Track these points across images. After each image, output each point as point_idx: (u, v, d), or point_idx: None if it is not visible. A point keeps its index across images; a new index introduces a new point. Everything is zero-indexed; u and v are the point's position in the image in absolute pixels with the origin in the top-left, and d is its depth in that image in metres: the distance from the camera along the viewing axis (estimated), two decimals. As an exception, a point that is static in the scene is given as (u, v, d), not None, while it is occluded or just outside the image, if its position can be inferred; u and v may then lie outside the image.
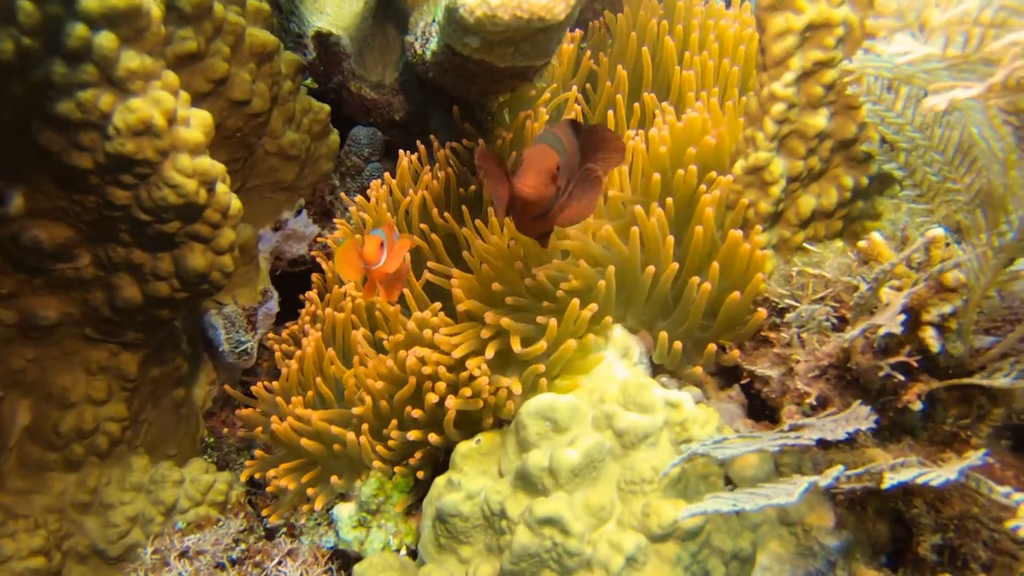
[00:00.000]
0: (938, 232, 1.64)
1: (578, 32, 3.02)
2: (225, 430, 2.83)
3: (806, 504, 1.84)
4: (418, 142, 2.72)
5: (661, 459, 1.84)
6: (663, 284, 2.03)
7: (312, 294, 2.67)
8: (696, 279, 1.99)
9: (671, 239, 2.02)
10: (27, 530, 2.19)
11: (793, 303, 1.89)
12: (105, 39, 1.76)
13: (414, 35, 2.61)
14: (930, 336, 1.58)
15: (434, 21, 2.45)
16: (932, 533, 1.63)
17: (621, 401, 1.92)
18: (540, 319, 2.02)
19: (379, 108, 3.02)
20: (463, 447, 2.06)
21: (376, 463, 2.18)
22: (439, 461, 2.21)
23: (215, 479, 2.46)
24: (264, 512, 2.39)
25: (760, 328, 1.99)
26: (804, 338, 1.83)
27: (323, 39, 2.96)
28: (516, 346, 1.99)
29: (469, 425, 2.10)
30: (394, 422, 2.15)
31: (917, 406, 1.62)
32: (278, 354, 2.58)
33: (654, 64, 2.73)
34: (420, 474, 2.18)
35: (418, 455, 2.16)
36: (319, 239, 2.99)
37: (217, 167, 2.00)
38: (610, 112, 2.59)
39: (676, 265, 2.00)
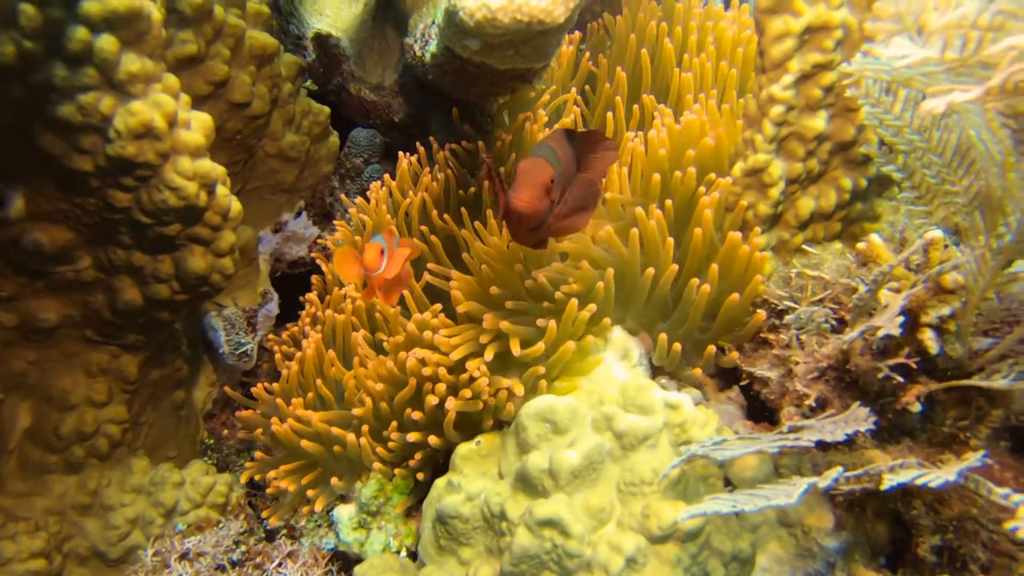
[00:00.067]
0: (936, 234, 1.65)
1: (577, 34, 3.03)
2: (225, 432, 2.83)
3: (805, 505, 1.84)
4: (417, 144, 2.72)
5: (661, 461, 1.85)
6: (663, 286, 2.04)
7: (312, 296, 2.67)
8: (696, 281, 1.99)
9: (671, 241, 2.02)
10: (28, 532, 2.19)
11: (792, 305, 1.89)
12: (106, 42, 1.77)
13: (413, 37, 2.61)
14: (929, 338, 1.58)
15: (433, 23, 2.45)
16: (931, 534, 1.63)
17: (621, 403, 1.93)
18: (540, 322, 2.02)
19: (378, 110, 3.03)
20: (463, 449, 2.06)
21: (376, 465, 2.19)
22: (439, 463, 2.21)
23: (215, 481, 2.46)
24: (264, 514, 2.39)
25: (759, 330, 1.99)
26: (803, 340, 1.83)
27: (322, 41, 2.97)
28: (516, 349, 2.00)
29: (469, 427, 2.10)
30: (394, 424, 2.15)
31: (916, 408, 1.62)
32: (278, 356, 2.59)
33: (653, 66, 2.73)
34: (420, 476, 2.18)
35: (418, 457, 2.16)
36: (319, 241, 2.99)
37: (217, 170, 2.00)
38: (609, 114, 2.60)
39: (676, 267, 2.01)
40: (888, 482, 1.40)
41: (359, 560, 2.18)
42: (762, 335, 1.99)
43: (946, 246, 1.65)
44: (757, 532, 1.87)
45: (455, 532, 1.96)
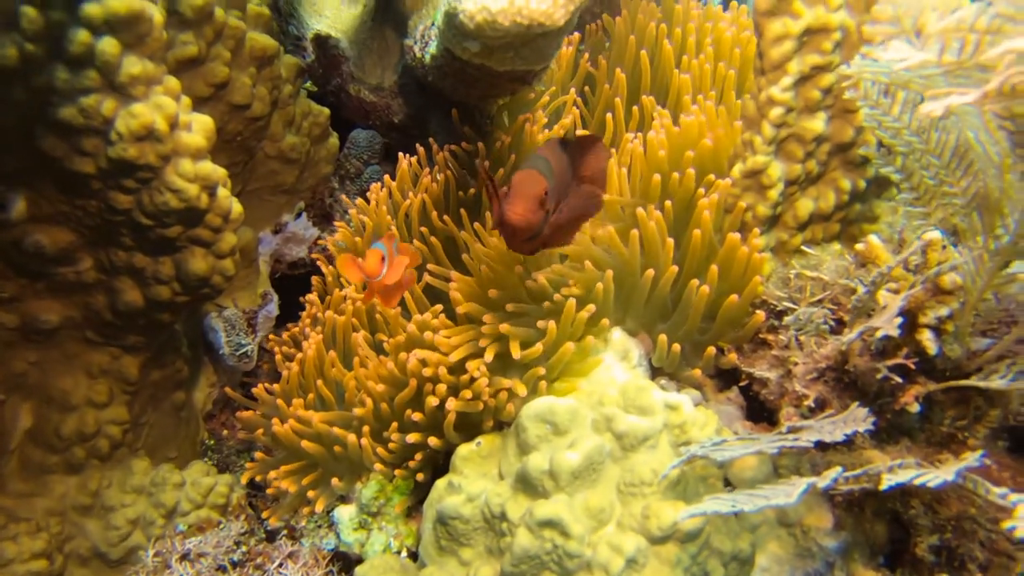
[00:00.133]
0: (935, 235, 1.65)
1: (576, 35, 3.03)
2: (225, 432, 2.84)
3: (804, 505, 1.85)
4: (417, 145, 2.73)
5: (660, 461, 1.85)
6: (662, 287, 2.04)
7: (312, 296, 2.68)
8: (695, 282, 2.00)
9: (671, 242, 2.03)
10: (29, 533, 2.20)
11: (791, 306, 1.90)
12: (107, 45, 1.77)
13: (413, 38, 2.62)
14: (927, 338, 1.59)
15: (433, 25, 2.46)
16: (930, 534, 1.64)
17: (621, 404, 1.93)
18: (540, 323, 2.03)
19: (378, 111, 3.03)
20: (463, 450, 2.06)
21: (377, 465, 2.19)
22: (439, 464, 2.22)
23: (216, 481, 2.46)
24: (264, 514, 2.39)
25: (758, 330, 2.00)
26: (802, 340, 1.84)
27: (322, 42, 2.97)
28: (516, 352, 2.00)
29: (469, 428, 2.11)
30: (394, 425, 2.15)
31: (914, 408, 1.63)
32: (279, 356, 2.59)
33: (652, 67, 2.74)
34: (420, 477, 2.18)
35: (418, 457, 2.16)
36: (319, 242, 3.00)
37: (218, 171, 2.01)
38: (608, 115, 2.60)
39: (675, 268, 2.01)
40: (887, 482, 1.41)
41: (360, 561, 2.18)
42: (761, 336, 2.00)
43: (944, 247, 1.65)
44: (756, 532, 1.88)
45: (456, 533, 1.97)
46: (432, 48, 2.44)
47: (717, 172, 2.14)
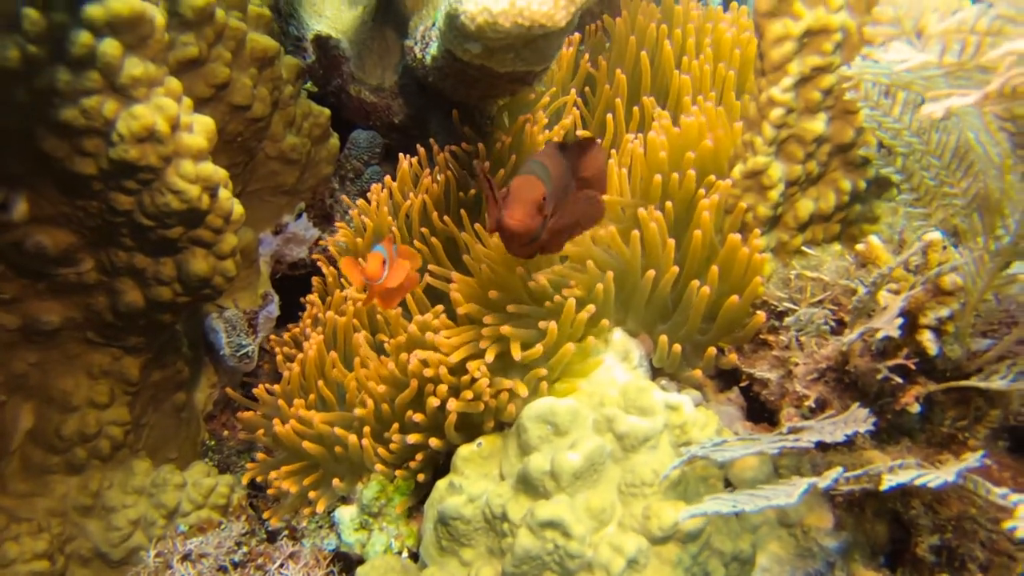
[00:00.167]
0: (935, 236, 1.66)
1: (576, 36, 3.03)
2: (225, 433, 2.84)
3: (805, 505, 1.85)
4: (418, 146, 2.73)
5: (661, 462, 1.86)
6: (663, 288, 2.05)
7: (313, 297, 2.68)
8: (696, 282, 2.00)
9: (671, 242, 2.03)
10: (30, 533, 2.20)
11: (791, 306, 1.90)
12: (109, 46, 1.77)
13: (414, 39, 2.62)
14: (928, 339, 1.59)
15: (434, 25, 2.46)
16: (930, 534, 1.65)
17: (621, 404, 1.94)
18: (541, 324, 2.03)
19: (378, 111, 3.03)
20: (464, 450, 2.07)
21: (378, 466, 2.20)
22: (439, 464, 2.22)
23: (217, 482, 2.46)
24: (265, 515, 2.40)
25: (759, 331, 2.00)
26: (803, 341, 1.84)
27: (322, 42, 2.97)
28: (516, 353, 2.00)
29: (470, 428, 2.11)
30: (395, 425, 2.16)
31: (915, 408, 1.63)
32: (279, 357, 2.59)
33: (652, 68, 2.74)
34: (421, 477, 2.18)
35: (419, 458, 2.17)
36: (320, 242, 3.00)
37: (220, 173, 2.01)
38: (609, 115, 2.61)
39: (676, 269, 2.02)
40: (887, 482, 1.41)
41: (361, 561, 2.19)
42: (762, 336, 2.00)
43: (945, 248, 1.66)
44: (757, 532, 1.88)
45: (457, 533, 1.97)
46: (433, 49, 2.45)
47: (717, 173, 2.14)
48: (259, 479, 2.44)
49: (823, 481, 1.46)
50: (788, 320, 1.87)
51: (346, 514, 2.24)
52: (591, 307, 2.03)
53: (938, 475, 1.37)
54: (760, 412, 2.02)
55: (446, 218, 2.47)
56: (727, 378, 2.13)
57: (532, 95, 2.76)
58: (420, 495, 2.21)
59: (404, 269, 1.97)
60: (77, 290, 2.16)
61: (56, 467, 2.30)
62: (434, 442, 2.10)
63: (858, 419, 1.60)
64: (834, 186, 2.06)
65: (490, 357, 2.03)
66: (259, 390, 2.49)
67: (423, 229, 2.48)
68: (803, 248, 2.08)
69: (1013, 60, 1.15)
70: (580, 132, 2.74)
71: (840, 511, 1.83)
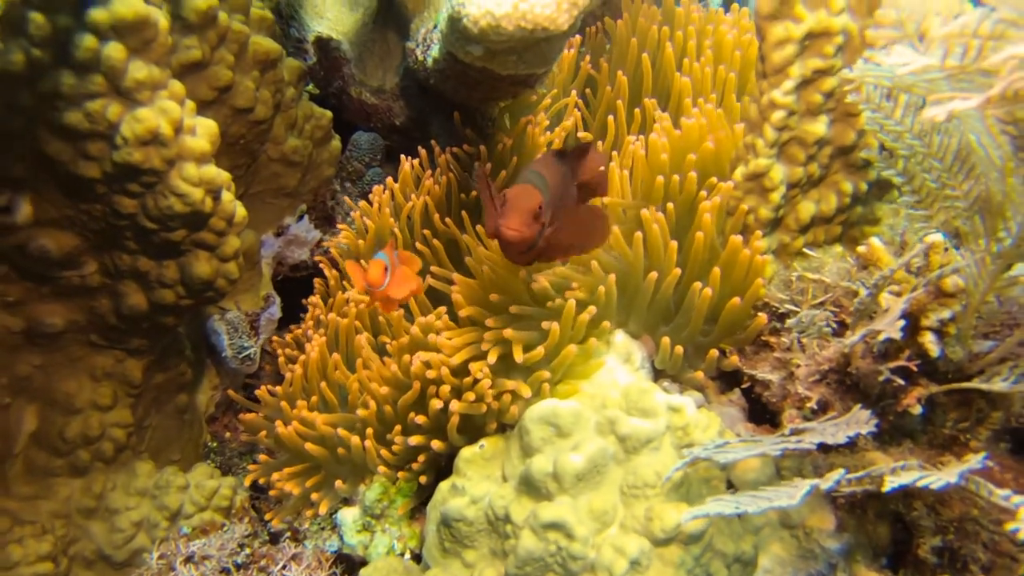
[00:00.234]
0: (937, 238, 1.66)
1: (577, 38, 3.04)
2: (227, 434, 2.85)
3: (807, 507, 1.85)
4: (419, 147, 2.74)
5: (663, 463, 1.86)
6: (665, 289, 2.05)
7: (315, 299, 2.69)
8: (698, 284, 2.00)
9: (674, 244, 2.03)
10: (34, 536, 2.20)
11: (793, 308, 1.90)
12: (113, 50, 1.78)
13: (415, 41, 2.62)
14: (929, 341, 1.59)
15: (435, 28, 2.46)
16: (932, 535, 1.65)
17: (624, 406, 1.94)
18: (544, 324, 2.03)
19: (380, 113, 3.04)
20: (467, 452, 2.07)
21: (380, 468, 2.20)
22: (441, 466, 2.22)
23: (219, 484, 2.47)
24: (267, 516, 2.40)
25: (760, 333, 2.00)
26: (804, 343, 1.84)
27: (323, 44, 2.98)
28: (518, 356, 2.01)
29: (472, 430, 2.12)
30: (398, 427, 2.16)
31: (917, 410, 1.63)
32: (281, 359, 2.60)
33: (654, 70, 2.74)
34: (423, 479, 2.19)
35: (421, 459, 2.17)
36: (322, 244, 3.00)
37: (223, 175, 2.01)
38: (610, 117, 2.61)
39: (679, 270, 2.02)
40: (890, 484, 1.41)
41: (363, 563, 2.19)
42: (763, 338, 2.00)
43: (946, 250, 1.66)
44: (759, 534, 1.88)
45: (459, 535, 1.97)
46: (434, 51, 2.45)
47: (719, 175, 2.14)
48: (261, 481, 2.44)
49: (825, 483, 1.46)
50: (790, 322, 1.88)
51: (348, 516, 2.25)
52: (592, 309, 2.03)
53: (940, 477, 1.38)
54: (762, 414, 2.02)
55: (447, 220, 2.48)
56: (729, 380, 2.13)
57: (534, 97, 2.76)
58: (423, 497, 2.22)
59: (407, 278, 2.00)
60: (80, 293, 2.16)
61: (59, 469, 2.30)
62: (436, 444, 2.11)
63: (860, 421, 1.60)
64: (835, 188, 2.06)
65: (492, 359, 2.03)
66: (261, 392, 2.49)
67: (425, 231, 2.49)
68: (804, 250, 2.08)
69: (1015, 64, 1.16)
70: (581, 134, 2.75)
71: (842, 512, 1.84)
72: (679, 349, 2.06)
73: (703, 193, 2.10)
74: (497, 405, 2.04)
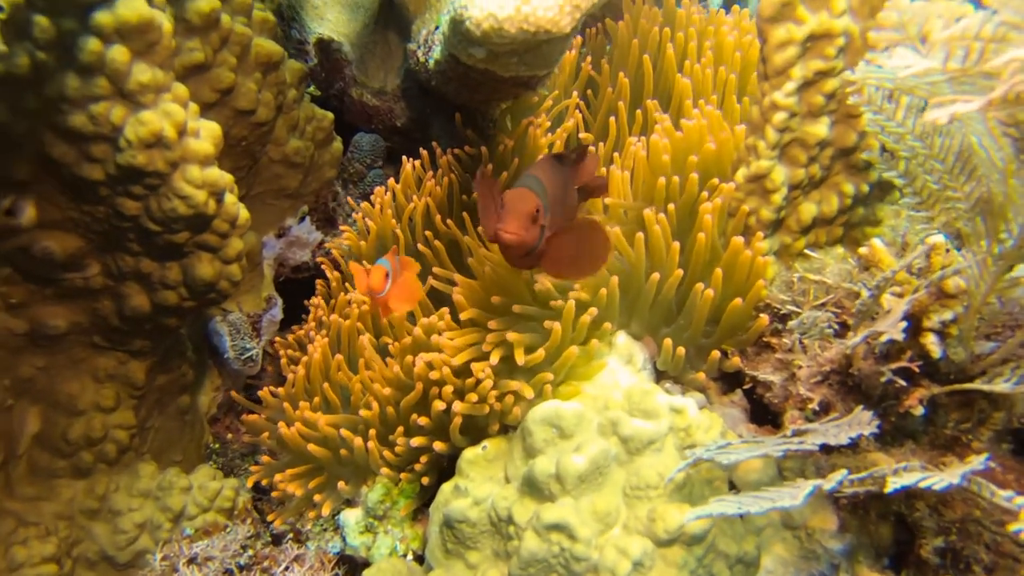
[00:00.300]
0: (938, 239, 1.66)
1: (578, 39, 3.04)
2: (229, 436, 2.85)
3: (809, 508, 1.86)
4: (421, 149, 2.74)
5: (666, 464, 1.87)
6: (667, 291, 2.05)
7: (317, 300, 2.69)
8: (700, 285, 2.01)
9: (676, 245, 2.04)
10: (38, 537, 2.21)
11: (795, 309, 1.91)
12: (117, 53, 1.78)
13: (416, 43, 2.63)
14: (931, 342, 1.60)
15: (437, 29, 2.46)
16: (934, 536, 1.65)
17: (626, 407, 1.94)
18: (547, 323, 2.04)
19: (381, 114, 3.04)
20: (469, 453, 2.08)
21: (383, 469, 2.20)
22: (444, 467, 2.23)
23: (222, 485, 2.47)
24: (269, 517, 2.40)
25: (762, 334, 2.01)
26: (806, 344, 1.85)
27: (325, 46, 2.98)
28: (520, 358, 2.01)
29: (475, 432, 2.12)
30: (400, 428, 2.17)
31: (919, 411, 1.64)
32: (283, 360, 2.61)
33: (655, 72, 2.75)
34: (425, 480, 2.19)
35: (423, 460, 2.18)
36: (324, 245, 3.01)
37: (226, 178, 2.02)
38: (612, 118, 2.61)
39: (681, 272, 2.02)
40: (892, 485, 1.41)
41: (366, 564, 2.19)
42: (765, 339, 2.01)
43: (948, 251, 1.66)
44: (761, 535, 1.89)
45: (462, 536, 1.98)
46: (436, 53, 2.45)
47: (720, 176, 2.15)
48: (264, 482, 2.45)
49: (827, 483, 1.47)
50: (791, 323, 1.88)
51: (351, 517, 2.25)
52: (594, 310, 2.04)
53: (942, 477, 1.38)
54: (764, 414, 2.03)
55: (449, 221, 2.48)
56: (731, 381, 2.14)
57: (535, 98, 2.77)
58: (425, 498, 2.23)
59: (408, 291, 2.02)
60: (83, 295, 2.17)
61: (63, 471, 2.31)
62: (439, 445, 2.11)
63: (862, 422, 1.61)
64: (837, 189, 2.07)
65: (494, 359, 2.04)
66: (263, 393, 2.50)
67: (426, 232, 2.49)
68: (806, 251, 2.08)
69: (1017, 66, 1.16)
70: (582, 135, 2.75)
71: (844, 513, 1.84)
72: (681, 350, 2.06)
73: (704, 194, 2.11)
74: (500, 406, 2.04)
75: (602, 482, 1.87)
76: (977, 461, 1.43)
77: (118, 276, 2.14)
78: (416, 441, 2.12)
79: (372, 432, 2.19)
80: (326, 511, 2.28)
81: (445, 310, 2.22)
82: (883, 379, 1.64)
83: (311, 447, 2.25)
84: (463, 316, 2.14)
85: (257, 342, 2.79)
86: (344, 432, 2.20)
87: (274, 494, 2.37)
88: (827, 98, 1.94)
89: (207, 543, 2.27)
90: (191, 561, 2.22)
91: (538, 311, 2.09)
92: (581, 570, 1.78)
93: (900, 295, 1.66)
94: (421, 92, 2.94)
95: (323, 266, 2.77)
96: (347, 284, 2.67)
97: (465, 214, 2.47)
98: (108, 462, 2.35)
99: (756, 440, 1.73)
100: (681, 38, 2.78)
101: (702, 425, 1.93)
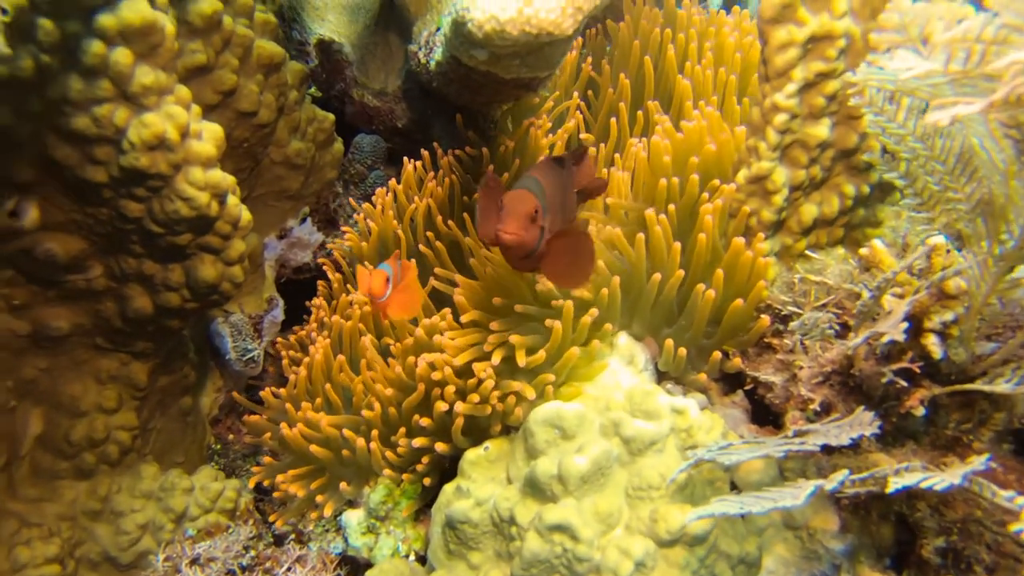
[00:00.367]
0: (939, 240, 1.67)
1: (578, 40, 3.04)
2: (231, 436, 2.85)
3: (811, 508, 1.87)
4: (422, 150, 2.75)
5: (668, 465, 1.87)
6: (669, 291, 2.06)
7: (319, 301, 2.69)
8: (702, 286, 2.01)
9: (677, 246, 2.04)
10: (41, 538, 2.21)
11: (796, 310, 1.91)
12: (121, 55, 1.79)
13: (418, 44, 2.63)
14: (932, 343, 1.60)
15: (438, 31, 2.47)
16: (936, 536, 1.66)
17: (627, 408, 1.95)
18: (548, 322, 2.04)
19: (382, 115, 3.04)
20: (471, 454, 2.08)
21: (385, 470, 2.21)
22: (445, 468, 2.23)
23: (224, 486, 2.48)
24: (271, 518, 2.41)
25: (763, 335, 2.01)
26: (807, 345, 1.85)
27: (325, 47, 2.98)
28: (521, 360, 2.02)
29: (476, 432, 2.12)
30: (402, 429, 2.17)
31: (920, 411, 1.64)
32: (285, 361, 2.61)
33: (656, 73, 2.75)
34: (427, 481, 2.19)
35: (425, 461, 2.18)
36: (327, 245, 3.01)
37: (228, 179, 2.02)
38: (613, 119, 2.62)
39: (682, 272, 2.03)
40: (893, 485, 1.42)
41: (368, 565, 2.20)
42: (766, 340, 2.01)
43: (948, 252, 1.67)
44: (763, 535, 1.89)
45: (465, 537, 1.98)
46: (437, 54, 2.46)
47: (721, 177, 2.15)
48: (265, 483, 2.45)
49: (829, 484, 1.47)
50: (792, 324, 1.88)
51: (353, 518, 2.26)
52: (594, 311, 2.04)
53: (944, 478, 1.38)
54: (765, 415, 2.03)
55: (450, 222, 2.49)
56: (732, 381, 2.14)
57: (536, 99, 2.77)
58: (427, 499, 2.23)
59: (409, 299, 2.04)
60: (86, 296, 2.17)
61: (65, 472, 2.31)
62: (440, 447, 2.12)
63: (863, 422, 1.61)
64: (838, 191, 2.07)
65: (496, 359, 2.04)
66: (265, 394, 2.50)
67: (428, 233, 2.50)
68: (807, 252, 2.09)
69: (1018, 69, 1.17)
70: (583, 135, 2.75)
71: (846, 513, 1.85)
72: (682, 351, 2.07)
73: (705, 195, 2.11)
74: (501, 407, 2.05)
75: (604, 483, 1.87)
76: (978, 461, 1.44)
77: (121, 278, 2.14)
78: (418, 442, 2.12)
79: (374, 433, 2.19)
80: (328, 512, 2.29)
81: (447, 311, 2.23)
82: (884, 380, 1.65)
83: (313, 448, 2.25)
84: (464, 318, 2.15)
85: (259, 343, 2.79)
86: (346, 433, 2.20)
87: (276, 495, 2.38)
88: (828, 99, 1.94)
89: (209, 544, 2.28)
90: (194, 562, 2.22)
91: (539, 311, 2.09)
92: (583, 571, 1.79)
93: (901, 296, 1.67)
94: (422, 93, 2.94)
95: (324, 267, 2.77)
96: (348, 285, 2.67)
97: (466, 215, 2.47)
98: (110, 463, 2.35)
99: (757, 441, 1.74)
100: (682, 39, 2.78)
101: (703, 426, 1.93)
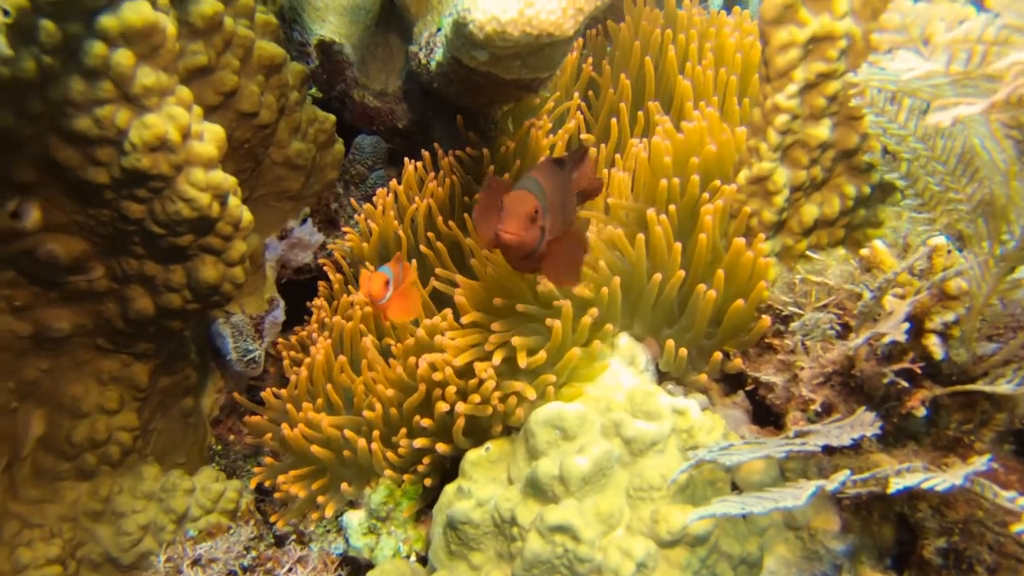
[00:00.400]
0: (940, 240, 1.67)
1: (579, 40, 3.04)
2: (232, 437, 2.85)
3: (812, 508, 1.87)
4: (422, 150, 2.75)
5: (669, 466, 1.87)
6: (669, 292, 2.06)
7: (320, 301, 2.69)
8: (702, 287, 2.01)
9: (678, 246, 2.04)
10: (43, 539, 2.21)
11: (797, 311, 1.91)
12: (122, 56, 1.79)
13: (418, 45, 2.63)
14: (933, 343, 1.60)
15: (439, 32, 2.47)
16: (937, 537, 1.66)
17: (628, 409, 1.95)
18: (548, 321, 2.04)
19: (382, 116, 3.04)
20: (472, 455, 2.08)
21: (386, 471, 2.21)
22: (446, 468, 2.23)
23: (225, 487, 2.48)
24: (272, 518, 2.41)
25: (764, 335, 2.01)
26: (808, 345, 1.85)
27: (326, 48, 2.98)
28: (522, 361, 2.02)
29: (478, 433, 2.12)
30: (403, 430, 2.17)
31: (921, 412, 1.64)
32: (286, 361, 2.61)
33: (657, 73, 2.75)
34: (428, 481, 2.19)
35: (426, 461, 2.18)
36: (328, 246, 3.01)
37: (229, 180, 2.02)
38: (613, 120, 2.62)
39: (683, 272, 2.03)
40: (894, 486, 1.42)
41: (369, 565, 2.20)
42: (767, 340, 2.01)
43: (949, 252, 1.67)
44: (764, 535, 1.90)
45: (466, 537, 1.98)
46: (438, 55, 2.46)
47: (722, 178, 2.15)
48: (267, 483, 2.45)
49: (830, 484, 1.47)
50: (793, 324, 1.88)
51: (354, 518, 2.26)
52: (594, 311, 2.04)
53: (945, 479, 1.38)
54: (766, 416, 2.03)
55: (451, 223, 2.49)
56: (733, 382, 2.14)
57: (537, 100, 2.77)
58: (428, 499, 2.23)
59: (409, 303, 2.05)
60: (88, 297, 2.17)
61: (67, 473, 2.31)
62: (441, 447, 2.12)
63: (864, 423, 1.61)
64: (838, 191, 2.07)
65: (498, 359, 2.04)
66: (266, 394, 2.50)
67: (428, 233, 2.50)
68: (808, 253, 2.08)
69: (1019, 69, 1.17)
70: (584, 136, 2.76)
71: (847, 514, 1.85)
72: (683, 352, 2.07)
73: (705, 196, 2.11)
74: (503, 407, 2.05)
75: (605, 483, 1.87)
76: (979, 462, 1.44)
77: (122, 279, 2.14)
78: (419, 442, 2.12)
79: (375, 433, 2.19)
80: (329, 512, 2.28)
81: (448, 311, 2.23)
82: (885, 380, 1.65)
83: (314, 448, 2.25)
84: (465, 319, 2.15)
85: (259, 344, 2.79)
86: (347, 433, 2.21)
87: (277, 495, 2.37)
88: (829, 100, 1.94)
89: (211, 545, 2.28)
90: (195, 563, 2.23)
91: (540, 311, 2.09)
92: (585, 571, 1.79)
93: (902, 296, 1.67)
94: (423, 94, 2.94)
95: (325, 268, 2.77)
96: (349, 286, 2.67)
97: (467, 215, 2.47)
98: (112, 464, 2.35)
99: (758, 441, 1.74)
100: (682, 40, 2.78)
101: (704, 426, 1.93)
